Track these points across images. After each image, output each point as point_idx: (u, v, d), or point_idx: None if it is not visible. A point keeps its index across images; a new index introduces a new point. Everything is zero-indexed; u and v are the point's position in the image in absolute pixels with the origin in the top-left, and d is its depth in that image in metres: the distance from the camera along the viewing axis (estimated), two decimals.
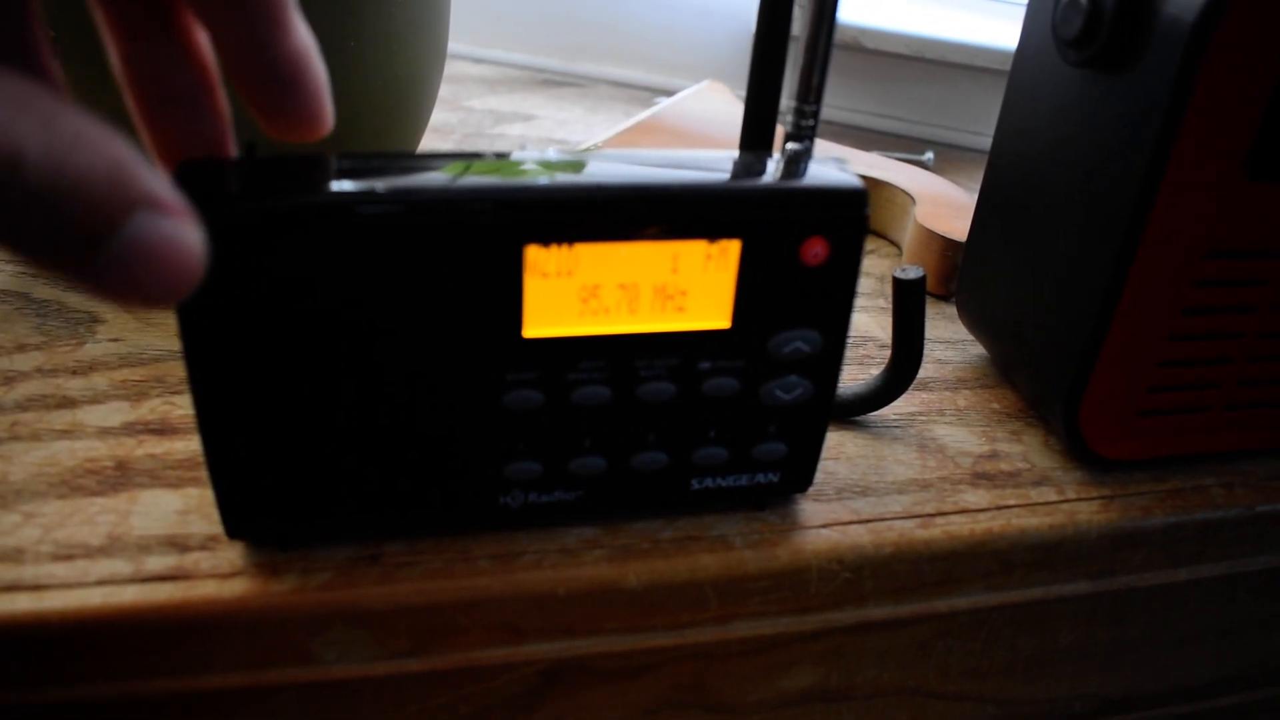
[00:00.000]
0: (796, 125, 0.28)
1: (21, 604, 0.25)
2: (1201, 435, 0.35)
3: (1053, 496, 0.33)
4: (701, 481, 0.29)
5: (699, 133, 0.58)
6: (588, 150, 0.48)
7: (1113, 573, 0.34)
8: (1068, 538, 0.32)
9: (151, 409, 0.33)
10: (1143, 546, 0.34)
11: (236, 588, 0.26)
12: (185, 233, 0.17)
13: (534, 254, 0.24)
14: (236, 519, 0.26)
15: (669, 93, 0.74)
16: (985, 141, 0.63)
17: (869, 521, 0.31)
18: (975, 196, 0.40)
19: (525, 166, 0.24)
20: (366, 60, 0.38)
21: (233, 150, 0.24)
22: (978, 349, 0.42)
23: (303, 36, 0.21)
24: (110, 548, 0.27)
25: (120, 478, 0.29)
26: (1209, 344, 0.33)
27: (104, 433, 0.31)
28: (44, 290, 0.39)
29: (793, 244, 0.25)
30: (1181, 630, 0.38)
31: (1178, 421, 0.35)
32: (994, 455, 0.35)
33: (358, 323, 0.24)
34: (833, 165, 0.26)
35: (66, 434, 0.31)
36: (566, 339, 0.25)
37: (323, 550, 0.27)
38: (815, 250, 0.26)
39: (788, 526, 0.30)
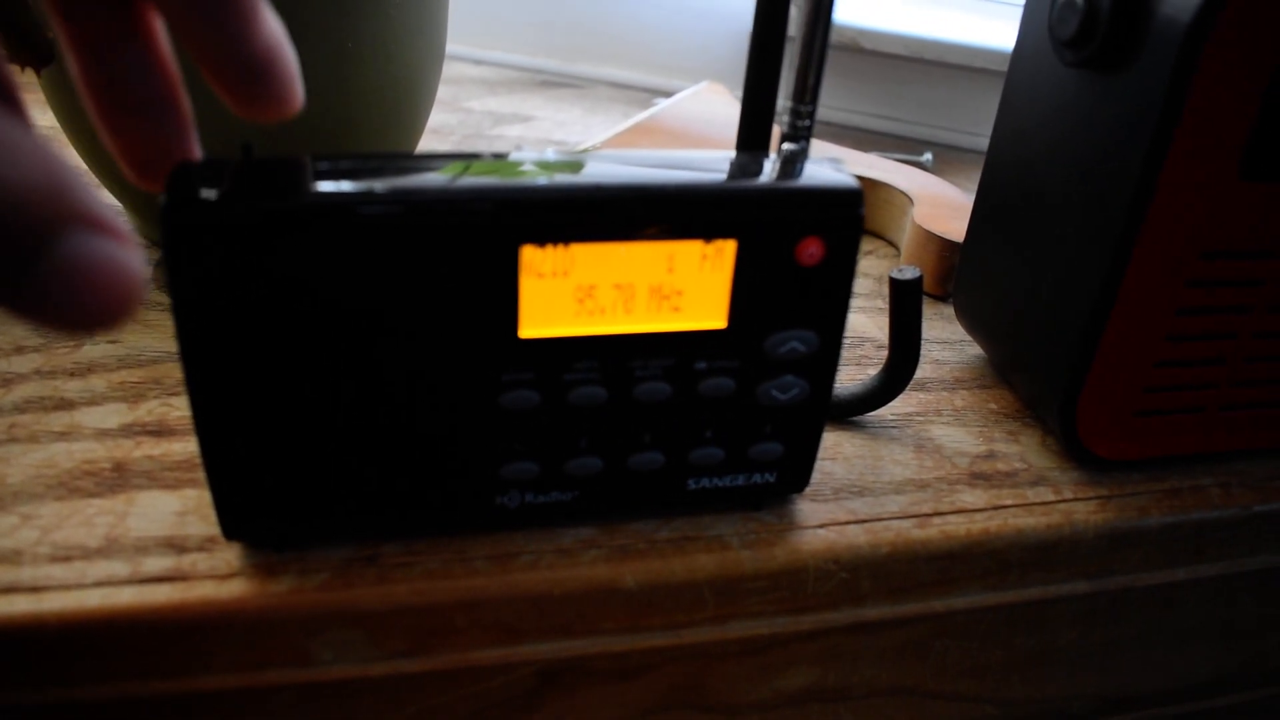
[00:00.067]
0: (792, 125, 0.28)
1: (20, 605, 0.25)
2: (1198, 435, 0.35)
3: (1050, 496, 0.33)
4: (698, 482, 0.29)
5: (698, 134, 0.58)
6: (586, 151, 0.48)
7: (1110, 572, 0.34)
8: (1065, 538, 0.32)
9: (149, 410, 0.33)
10: (1140, 546, 0.34)
11: (234, 589, 0.26)
12: (123, 255, 0.16)
13: (530, 254, 0.24)
14: (234, 520, 0.26)
15: (668, 94, 0.74)
16: (983, 142, 0.64)
17: (866, 521, 0.31)
18: (973, 197, 0.40)
19: (523, 167, 0.25)
20: (365, 62, 0.38)
21: (198, 153, 0.24)
22: (975, 349, 0.42)
23: (273, 28, 0.21)
24: (108, 549, 0.27)
25: (118, 479, 0.29)
26: (1205, 344, 0.33)
27: (102, 434, 0.31)
28: None
29: (788, 244, 0.25)
30: (1179, 630, 0.38)
31: (1174, 422, 0.35)
32: (991, 455, 0.35)
33: (355, 323, 0.24)
34: (828, 165, 0.26)
35: (64, 436, 0.31)
36: (562, 339, 0.26)
37: (320, 551, 0.27)
38: (811, 250, 0.26)
39: (785, 527, 0.30)
